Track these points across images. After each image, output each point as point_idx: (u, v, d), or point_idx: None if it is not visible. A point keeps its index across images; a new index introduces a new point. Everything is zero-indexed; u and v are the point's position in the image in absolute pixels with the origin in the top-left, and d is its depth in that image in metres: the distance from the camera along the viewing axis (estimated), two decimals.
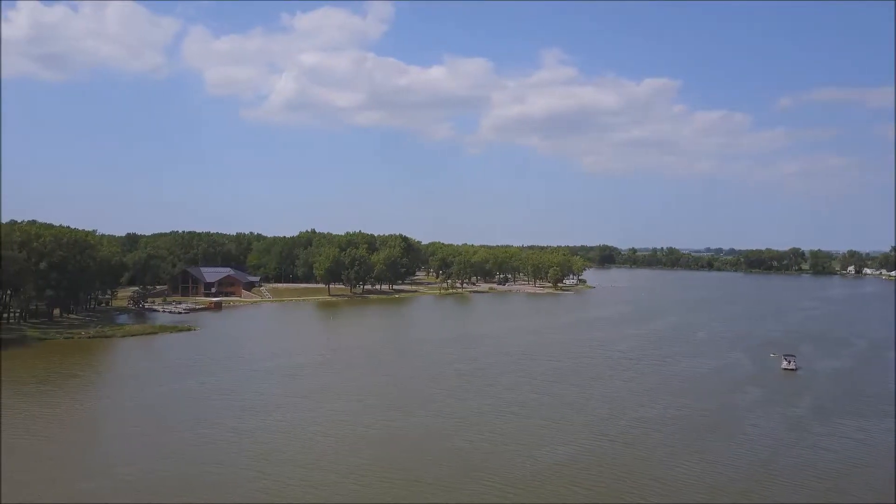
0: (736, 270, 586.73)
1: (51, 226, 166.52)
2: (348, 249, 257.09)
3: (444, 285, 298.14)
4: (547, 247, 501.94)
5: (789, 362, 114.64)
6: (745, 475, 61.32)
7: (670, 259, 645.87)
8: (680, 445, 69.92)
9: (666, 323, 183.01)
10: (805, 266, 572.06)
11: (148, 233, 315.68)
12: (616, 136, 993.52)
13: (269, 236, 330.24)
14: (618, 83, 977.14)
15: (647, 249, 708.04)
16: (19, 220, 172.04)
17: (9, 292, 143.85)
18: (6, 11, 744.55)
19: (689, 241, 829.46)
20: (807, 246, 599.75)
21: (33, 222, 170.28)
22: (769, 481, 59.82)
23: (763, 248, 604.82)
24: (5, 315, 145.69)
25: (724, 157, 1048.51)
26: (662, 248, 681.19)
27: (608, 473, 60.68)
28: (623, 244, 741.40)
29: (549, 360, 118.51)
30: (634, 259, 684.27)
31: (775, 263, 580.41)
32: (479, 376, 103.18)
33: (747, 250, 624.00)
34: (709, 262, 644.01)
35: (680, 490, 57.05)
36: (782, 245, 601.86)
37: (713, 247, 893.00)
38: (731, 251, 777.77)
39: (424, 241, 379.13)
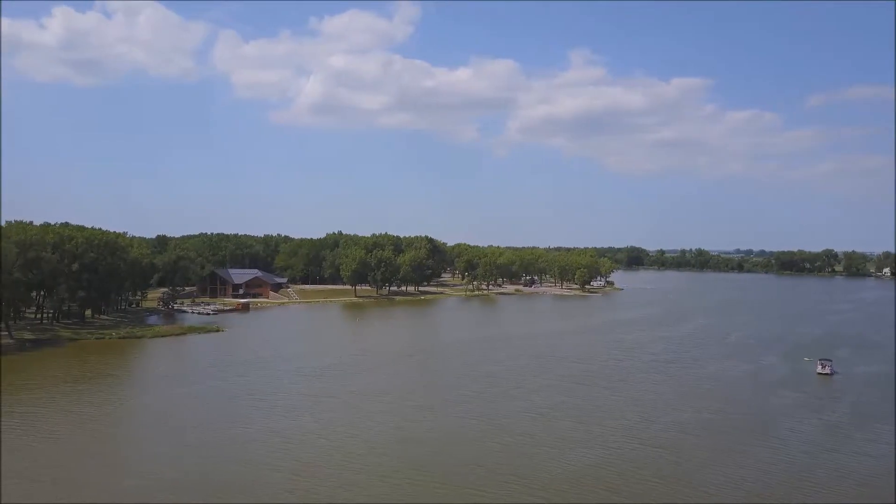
0: (767, 272, 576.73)
1: (83, 228, 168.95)
2: (374, 251, 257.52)
3: (470, 287, 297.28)
4: (574, 248, 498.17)
5: (824, 367, 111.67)
6: (783, 480, 59.60)
7: (699, 261, 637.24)
8: (714, 450, 68.34)
9: (696, 325, 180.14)
10: (838, 268, 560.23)
11: (177, 235, 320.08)
12: (644, 137, 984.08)
13: (296, 238, 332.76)
14: (646, 83, 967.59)
15: (675, 251, 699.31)
16: (52, 223, 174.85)
17: (43, 293, 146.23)
18: (42, 19, 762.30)
19: (718, 242, 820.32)
20: (840, 247, 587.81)
21: (66, 224, 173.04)
22: (810, 488, 58.09)
23: (795, 249, 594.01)
24: (39, 315, 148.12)
25: (753, 157, 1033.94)
26: (691, 249, 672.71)
27: (642, 477, 59.37)
28: (651, 246, 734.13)
29: (578, 363, 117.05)
30: (663, 261, 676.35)
31: (808, 265, 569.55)
32: (508, 378, 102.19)
33: (778, 252, 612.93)
34: (739, 263, 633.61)
35: (716, 495, 55.62)
36: (815, 246, 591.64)
37: (743, 248, 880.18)
38: (762, 253, 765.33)
39: (450, 243, 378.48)
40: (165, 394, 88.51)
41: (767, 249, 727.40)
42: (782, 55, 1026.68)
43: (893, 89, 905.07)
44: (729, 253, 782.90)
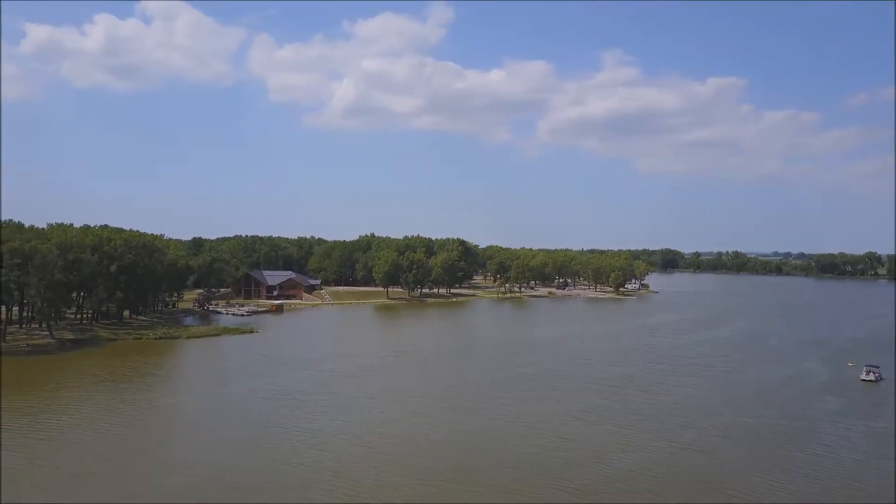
0: (807, 275, 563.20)
1: (121, 230, 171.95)
2: (406, 253, 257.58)
3: (502, 289, 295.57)
4: (607, 250, 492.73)
5: (869, 373, 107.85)
6: (829, 487, 57.73)
7: (736, 263, 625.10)
8: (757, 455, 66.43)
9: (734, 329, 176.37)
10: (882, 271, 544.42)
11: (212, 237, 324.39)
12: (678, 138, 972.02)
13: (329, 240, 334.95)
14: (681, 83, 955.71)
15: (711, 253, 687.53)
16: (92, 225, 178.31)
17: (83, 294, 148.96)
18: (83, 26, 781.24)
19: (755, 244, 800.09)
20: (883, 250, 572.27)
21: (105, 227, 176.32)
22: (860, 496, 55.87)
23: (836, 252, 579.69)
24: (79, 316, 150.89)
25: (791, 158, 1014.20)
26: (728, 251, 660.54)
27: (683, 482, 57.96)
28: (686, 248, 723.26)
29: (614, 366, 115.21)
30: (698, 263, 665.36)
31: (849, 268, 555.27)
32: (543, 381, 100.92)
33: (818, 254, 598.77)
34: (777, 266, 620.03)
35: (761, 501, 53.76)
36: (857, 249, 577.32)
37: (781, 251, 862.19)
38: (801, 255, 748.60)
39: (482, 245, 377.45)
40: (203, 393, 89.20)
41: (807, 252, 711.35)
42: (822, 54, 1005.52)
43: None
44: (767, 255, 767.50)
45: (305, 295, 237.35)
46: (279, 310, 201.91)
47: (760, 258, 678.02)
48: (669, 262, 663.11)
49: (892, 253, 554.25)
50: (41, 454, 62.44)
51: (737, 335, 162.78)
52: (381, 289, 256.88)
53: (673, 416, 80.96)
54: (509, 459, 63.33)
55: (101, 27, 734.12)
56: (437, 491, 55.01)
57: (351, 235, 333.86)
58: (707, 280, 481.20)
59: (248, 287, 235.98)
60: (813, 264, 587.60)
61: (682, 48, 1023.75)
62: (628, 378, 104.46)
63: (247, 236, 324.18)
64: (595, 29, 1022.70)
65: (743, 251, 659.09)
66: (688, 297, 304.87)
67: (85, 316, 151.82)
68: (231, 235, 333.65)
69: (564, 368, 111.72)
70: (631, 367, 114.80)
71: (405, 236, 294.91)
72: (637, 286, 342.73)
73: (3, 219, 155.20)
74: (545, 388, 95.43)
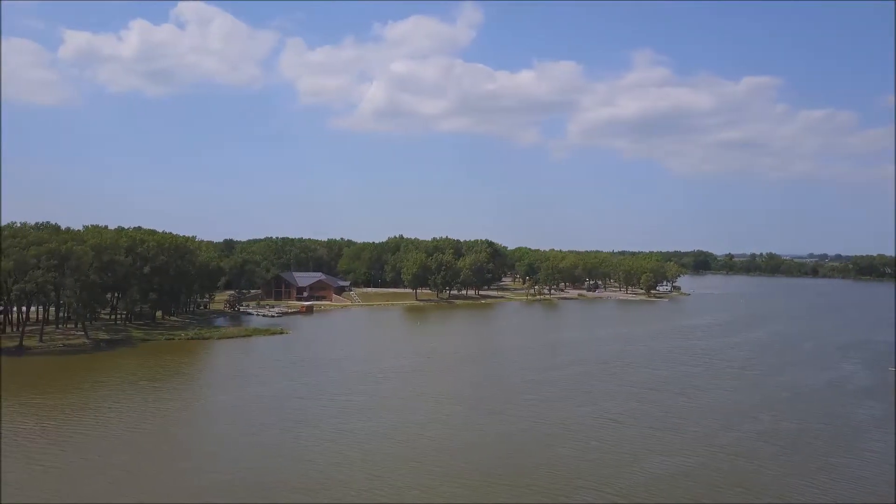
0: (843, 277, 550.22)
1: (154, 232, 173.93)
2: (435, 255, 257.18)
3: (532, 291, 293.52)
4: (638, 252, 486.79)
5: None
6: (876, 494, 55.50)
7: (770, 265, 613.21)
8: (798, 460, 64.51)
9: (769, 331, 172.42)
10: None
11: (244, 239, 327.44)
12: (711, 138, 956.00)
13: (358, 242, 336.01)
14: (714, 83, 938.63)
15: (744, 255, 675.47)
16: (126, 227, 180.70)
17: (117, 295, 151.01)
18: (120, 31, 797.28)
19: (790, 246, 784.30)
20: None
21: (138, 228, 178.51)
22: None
23: (874, 253, 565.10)
24: (113, 316, 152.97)
25: (827, 158, 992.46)
26: (762, 253, 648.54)
27: (723, 486, 56.39)
28: (719, 250, 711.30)
29: (648, 368, 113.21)
30: (731, 265, 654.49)
31: (888, 270, 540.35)
32: (575, 383, 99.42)
33: (855, 256, 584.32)
34: (813, 268, 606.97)
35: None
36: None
37: (817, 252, 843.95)
38: (838, 257, 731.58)
39: (511, 247, 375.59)
40: (236, 393, 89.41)
41: (844, 254, 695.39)
42: (859, 52, 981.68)
43: None
44: (802, 257, 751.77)
45: (335, 296, 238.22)
46: (309, 311, 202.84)
47: (795, 260, 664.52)
48: (701, 264, 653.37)
49: None
50: (77, 451, 63.02)
51: (773, 338, 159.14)
52: (410, 290, 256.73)
53: (710, 420, 79.04)
54: (544, 461, 62.29)
55: (137, 32, 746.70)
56: (472, 492, 54.32)
57: (380, 237, 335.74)
58: (740, 282, 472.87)
59: (278, 288, 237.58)
60: (850, 266, 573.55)
61: (716, 47, 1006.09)
62: (663, 380, 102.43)
63: (277, 238, 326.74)
64: (625, 28, 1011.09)
65: (777, 253, 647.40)
66: (721, 299, 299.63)
67: (119, 316, 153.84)
68: (262, 237, 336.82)
69: (597, 371, 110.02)
70: (665, 369, 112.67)
71: (434, 238, 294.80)
72: (669, 288, 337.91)
73: (38, 221, 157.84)
74: (578, 391, 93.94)
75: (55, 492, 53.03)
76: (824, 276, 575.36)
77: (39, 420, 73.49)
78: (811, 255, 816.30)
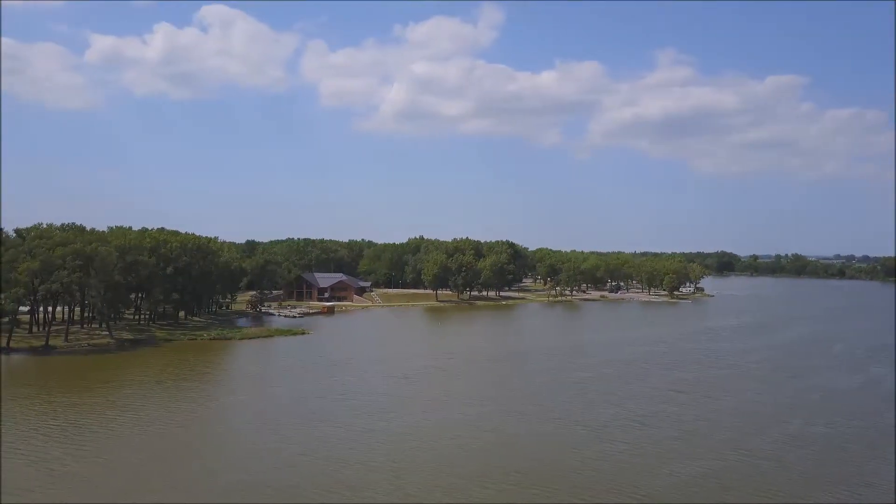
0: (871, 279, 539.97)
1: (177, 233, 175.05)
2: (455, 256, 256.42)
3: (553, 293, 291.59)
4: (661, 253, 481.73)
5: None
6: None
7: (796, 266, 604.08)
8: (833, 465, 62.94)
9: (796, 334, 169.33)
10: None
11: (265, 240, 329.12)
12: (734, 137, 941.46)
13: (379, 243, 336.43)
14: (738, 82, 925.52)
15: (769, 256, 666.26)
16: (149, 228, 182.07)
17: (141, 295, 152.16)
18: (144, 35, 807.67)
19: (816, 247, 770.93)
20: None
21: (162, 229, 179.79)
22: None
23: None
24: (137, 316, 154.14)
25: (854, 158, 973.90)
26: (787, 254, 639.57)
27: (754, 490, 55.04)
28: (743, 251, 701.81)
29: (674, 371, 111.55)
30: (755, 266, 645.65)
31: None
32: (600, 385, 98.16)
33: (884, 257, 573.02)
34: (840, 269, 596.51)
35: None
36: None
37: (843, 253, 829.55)
38: (865, 258, 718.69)
39: (532, 248, 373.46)
40: (260, 393, 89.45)
41: (871, 255, 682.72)
42: (885, 50, 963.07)
43: None
44: (828, 258, 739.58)
45: (356, 297, 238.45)
46: (330, 311, 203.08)
47: (822, 261, 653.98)
48: (725, 265, 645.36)
49: None
50: (105, 449, 63.23)
51: (800, 340, 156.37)
52: (431, 291, 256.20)
53: (739, 423, 77.46)
54: (569, 463, 61.39)
55: (161, 36, 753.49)
56: (497, 493, 53.64)
57: (400, 238, 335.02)
58: (765, 284, 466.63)
59: (300, 289, 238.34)
60: (878, 267, 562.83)
61: (739, 46, 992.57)
62: (689, 383, 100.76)
63: (299, 239, 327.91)
64: (648, 28, 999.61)
65: (803, 254, 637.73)
66: (745, 300, 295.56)
67: (142, 317, 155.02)
68: (284, 238, 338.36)
69: (621, 373, 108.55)
70: (691, 371, 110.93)
71: (454, 239, 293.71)
72: (692, 290, 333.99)
73: (64, 223, 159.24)
74: (602, 393, 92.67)
75: (85, 490, 53.06)
76: (851, 277, 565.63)
77: (68, 419, 73.92)
78: (837, 256, 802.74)
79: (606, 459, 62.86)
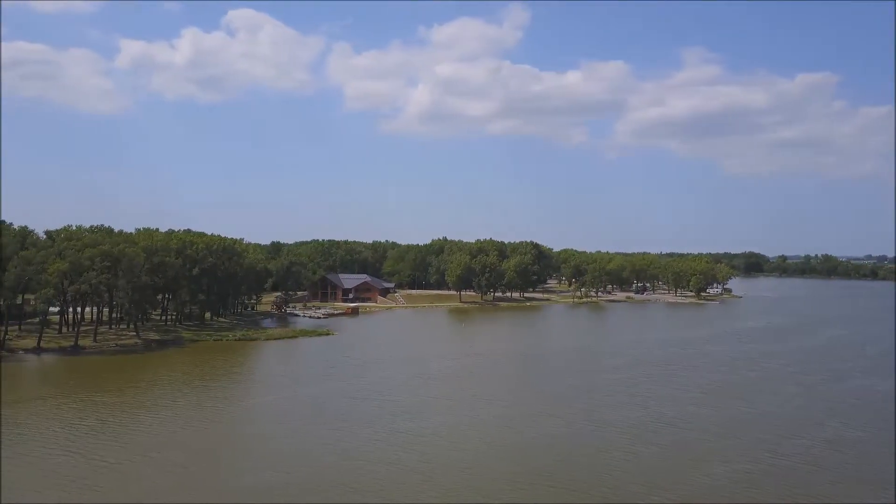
0: None
1: (203, 234, 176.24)
2: (479, 257, 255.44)
3: (578, 294, 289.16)
4: (687, 254, 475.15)
5: None
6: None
7: (826, 267, 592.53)
8: (869, 469, 60.93)
9: (828, 336, 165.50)
10: None
11: (290, 241, 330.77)
12: (764, 137, 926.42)
13: (402, 244, 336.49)
14: (768, 80, 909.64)
15: (798, 257, 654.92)
16: (176, 229, 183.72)
17: (167, 296, 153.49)
18: (172, 41, 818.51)
19: (847, 247, 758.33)
20: None
21: (188, 231, 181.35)
22: None
23: None
24: (163, 317, 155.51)
25: (888, 156, 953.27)
26: (817, 255, 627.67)
27: (791, 494, 53.56)
28: (771, 251, 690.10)
29: (702, 372, 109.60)
30: (784, 267, 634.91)
31: None
32: (628, 387, 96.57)
33: None
34: (872, 270, 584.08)
35: None
36: None
37: (875, 254, 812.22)
38: None
39: (556, 249, 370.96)
40: (288, 393, 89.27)
41: None
42: None
43: None
44: (859, 259, 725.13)
45: (380, 298, 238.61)
46: (355, 312, 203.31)
47: (853, 262, 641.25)
48: (753, 265, 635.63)
49: None
50: (137, 448, 63.39)
51: (832, 342, 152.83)
52: (454, 292, 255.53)
53: (773, 426, 75.51)
54: (602, 465, 60.33)
55: (189, 40, 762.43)
56: (526, 494, 52.82)
57: (424, 239, 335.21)
58: (794, 285, 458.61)
59: (324, 290, 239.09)
60: None
61: (769, 44, 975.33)
62: (719, 385, 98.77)
63: (323, 240, 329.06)
64: (675, 27, 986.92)
65: (834, 255, 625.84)
66: (774, 302, 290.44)
67: (169, 317, 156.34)
68: (308, 240, 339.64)
69: (650, 374, 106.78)
70: (720, 373, 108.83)
71: (478, 240, 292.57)
72: (719, 291, 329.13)
73: (91, 225, 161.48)
74: (631, 395, 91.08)
75: (120, 488, 53.31)
76: (883, 278, 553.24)
77: (100, 417, 74.52)
78: (869, 257, 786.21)
79: (639, 461, 61.61)
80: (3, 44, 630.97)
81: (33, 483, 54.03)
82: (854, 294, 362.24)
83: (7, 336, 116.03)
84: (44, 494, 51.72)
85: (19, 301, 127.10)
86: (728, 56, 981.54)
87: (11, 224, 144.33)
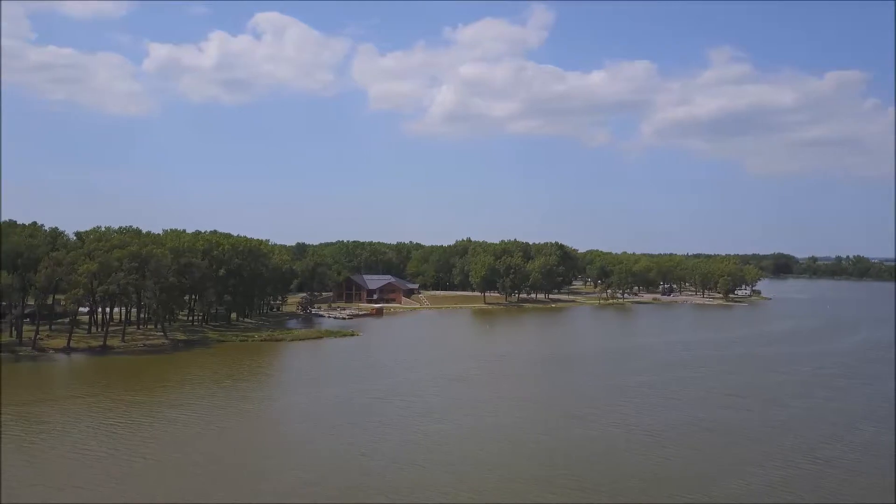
0: None
1: (229, 235, 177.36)
2: (503, 258, 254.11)
3: (604, 295, 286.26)
4: (715, 255, 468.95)
5: None
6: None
7: (857, 269, 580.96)
8: None
9: (861, 339, 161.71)
10: None
11: (315, 242, 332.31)
12: (792, 136, 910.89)
13: (427, 245, 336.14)
14: (796, 79, 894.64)
15: (828, 258, 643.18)
16: (202, 230, 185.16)
17: (194, 297, 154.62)
18: (200, 44, 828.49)
19: (880, 249, 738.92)
20: None
21: (214, 232, 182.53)
22: None
23: None
24: (190, 318, 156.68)
25: None
26: (848, 256, 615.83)
27: (830, 500, 52.11)
28: (800, 252, 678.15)
29: (733, 375, 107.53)
30: (814, 268, 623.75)
31: None
32: (659, 388, 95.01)
33: None
34: None
35: None
36: None
37: None
38: None
39: (581, 250, 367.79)
40: (314, 393, 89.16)
41: None
42: None
43: None
44: (892, 261, 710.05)
45: (404, 299, 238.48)
46: (379, 313, 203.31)
47: (885, 263, 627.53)
48: (782, 267, 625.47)
49: None
50: (170, 446, 63.76)
51: (866, 345, 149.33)
52: (478, 294, 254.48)
53: (810, 430, 73.68)
54: (632, 469, 59.08)
55: (216, 43, 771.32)
56: (560, 496, 52.07)
57: (448, 240, 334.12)
58: (825, 286, 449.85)
59: (349, 291, 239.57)
60: None
61: (797, 42, 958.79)
62: (752, 388, 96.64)
63: (348, 241, 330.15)
64: (701, 25, 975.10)
65: (866, 256, 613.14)
66: (805, 304, 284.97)
67: (195, 318, 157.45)
68: (333, 241, 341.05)
69: (680, 376, 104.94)
70: (752, 376, 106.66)
71: (502, 241, 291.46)
72: (748, 292, 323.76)
73: (120, 226, 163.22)
74: (661, 397, 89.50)
75: (159, 484, 53.75)
76: None
77: (132, 417, 74.95)
78: None
79: (672, 464, 60.43)
80: (33, 49, 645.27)
81: (73, 478, 54.31)
82: (886, 297, 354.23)
83: (38, 336, 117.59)
84: (85, 491, 51.74)
85: (50, 301, 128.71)
86: (756, 55, 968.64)
87: (43, 226, 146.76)
